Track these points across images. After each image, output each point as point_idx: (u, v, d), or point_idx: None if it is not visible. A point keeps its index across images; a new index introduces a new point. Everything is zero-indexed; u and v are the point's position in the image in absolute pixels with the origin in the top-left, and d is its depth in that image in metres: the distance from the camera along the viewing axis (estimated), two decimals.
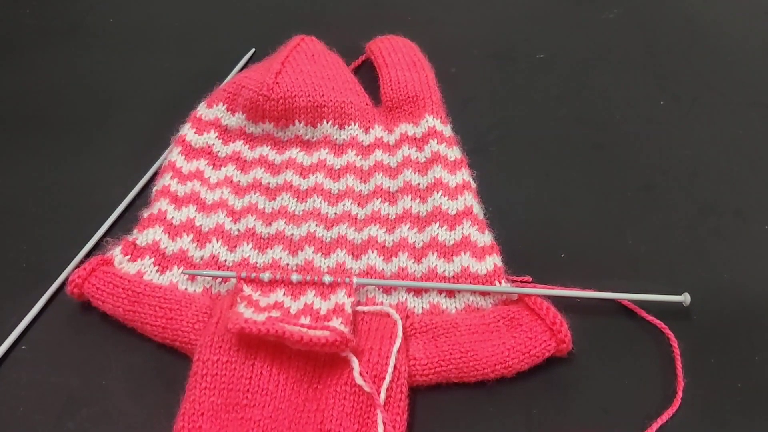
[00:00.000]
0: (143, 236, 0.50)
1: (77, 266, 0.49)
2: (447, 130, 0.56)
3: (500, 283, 0.47)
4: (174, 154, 0.55)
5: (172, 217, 0.51)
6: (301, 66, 0.58)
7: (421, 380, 0.44)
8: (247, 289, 0.46)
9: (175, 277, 0.49)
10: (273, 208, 0.53)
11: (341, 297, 0.46)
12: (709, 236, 0.52)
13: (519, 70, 0.65)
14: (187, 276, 0.49)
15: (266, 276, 0.47)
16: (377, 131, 0.57)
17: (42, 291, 0.49)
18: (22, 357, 0.46)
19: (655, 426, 0.42)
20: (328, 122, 0.57)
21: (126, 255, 0.49)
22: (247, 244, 0.51)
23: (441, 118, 0.57)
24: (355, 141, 0.57)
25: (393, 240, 0.51)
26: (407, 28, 0.65)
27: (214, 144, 0.57)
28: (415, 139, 0.56)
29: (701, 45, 0.67)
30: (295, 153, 0.56)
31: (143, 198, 0.55)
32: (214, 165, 0.56)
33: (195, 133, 0.57)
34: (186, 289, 0.48)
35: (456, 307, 0.47)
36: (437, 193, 0.52)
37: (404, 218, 0.51)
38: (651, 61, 0.66)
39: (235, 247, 0.51)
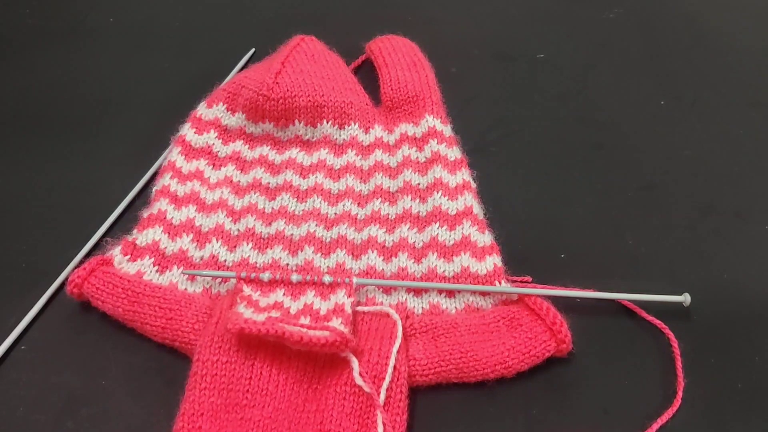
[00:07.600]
0: (143, 236, 0.50)
1: (77, 266, 0.49)
2: (447, 130, 0.56)
3: (500, 283, 0.47)
4: (174, 154, 0.55)
5: (172, 217, 0.51)
6: (301, 66, 0.58)
7: (421, 380, 0.43)
8: (247, 290, 0.46)
9: (174, 277, 0.49)
10: (273, 208, 0.53)
11: (341, 297, 0.46)
12: (709, 236, 0.52)
13: (519, 70, 0.65)
14: (186, 276, 0.49)
15: (266, 276, 0.47)
16: (377, 131, 0.57)
17: (41, 291, 0.49)
18: (21, 357, 0.46)
19: (655, 426, 0.42)
20: (328, 122, 0.57)
21: (126, 255, 0.49)
22: (247, 244, 0.51)
23: (441, 118, 0.57)
24: (355, 141, 0.57)
25: (393, 240, 0.51)
26: (407, 28, 0.65)
27: (213, 144, 0.57)
28: (415, 139, 0.56)
29: (701, 45, 0.67)
30: (295, 153, 0.56)
31: (143, 198, 0.55)
32: (213, 165, 0.56)
33: (195, 133, 0.57)
34: (186, 289, 0.48)
35: (456, 308, 0.47)
36: (437, 193, 0.52)
37: (404, 218, 0.51)
38: (651, 61, 0.66)
39: (235, 247, 0.51)
